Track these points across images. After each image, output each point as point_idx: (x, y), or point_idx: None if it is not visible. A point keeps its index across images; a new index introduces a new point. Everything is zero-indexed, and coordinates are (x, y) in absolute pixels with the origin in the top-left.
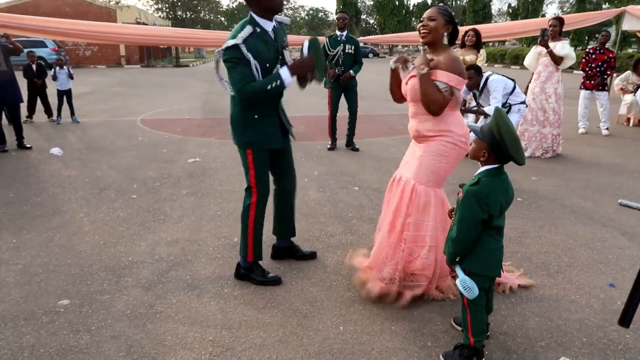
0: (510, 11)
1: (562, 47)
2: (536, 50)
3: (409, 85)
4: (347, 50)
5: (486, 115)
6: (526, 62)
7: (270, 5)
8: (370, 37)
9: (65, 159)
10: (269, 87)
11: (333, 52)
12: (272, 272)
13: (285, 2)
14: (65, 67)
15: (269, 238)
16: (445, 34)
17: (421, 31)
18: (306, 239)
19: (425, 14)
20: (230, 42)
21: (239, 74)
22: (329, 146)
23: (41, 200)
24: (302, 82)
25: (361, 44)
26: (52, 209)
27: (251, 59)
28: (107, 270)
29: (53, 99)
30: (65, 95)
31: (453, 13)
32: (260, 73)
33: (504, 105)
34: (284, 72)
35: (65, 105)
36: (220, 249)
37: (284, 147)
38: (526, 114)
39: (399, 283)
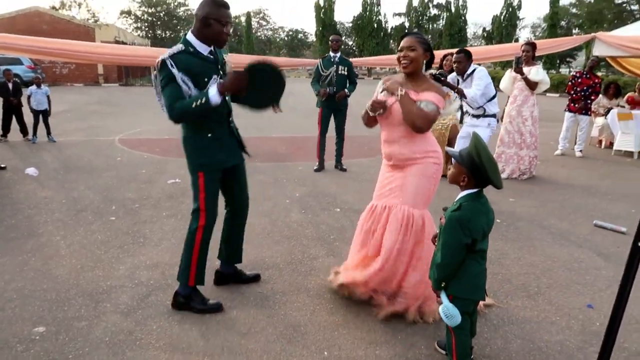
0: (485, 35)
1: (537, 73)
2: (511, 74)
3: (394, 109)
4: (340, 72)
5: (462, 96)
6: (502, 86)
7: (213, 39)
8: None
9: (41, 179)
10: (194, 104)
11: (326, 72)
12: (246, 296)
13: (264, 23)
14: (42, 86)
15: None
16: (425, 61)
17: (402, 62)
18: (289, 262)
19: (405, 44)
20: (159, 59)
21: (168, 92)
22: (315, 167)
23: (16, 222)
24: (241, 101)
25: None
26: (27, 231)
27: (176, 73)
28: (84, 295)
29: (28, 118)
30: (41, 114)
31: (429, 36)
32: (192, 88)
33: (479, 108)
34: (212, 89)
35: (41, 124)
36: None
37: (237, 166)
38: (503, 136)
39: (390, 298)
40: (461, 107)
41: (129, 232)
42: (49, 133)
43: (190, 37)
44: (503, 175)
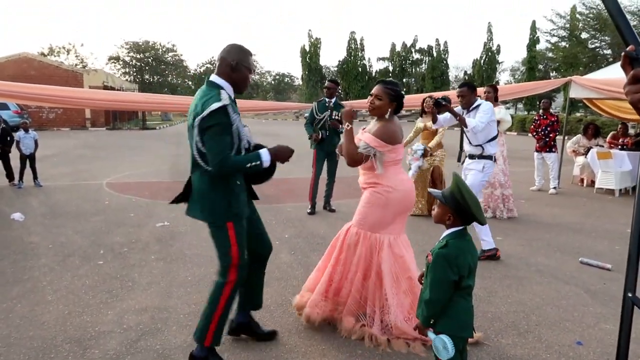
0: (467, 78)
1: (498, 112)
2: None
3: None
4: (334, 117)
5: (464, 125)
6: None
7: (240, 84)
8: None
9: (27, 224)
10: (248, 165)
11: (320, 116)
12: (237, 338)
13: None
14: (30, 130)
15: None
16: (390, 109)
17: (369, 106)
18: (279, 304)
19: (374, 91)
20: (216, 105)
21: (223, 142)
22: (308, 210)
23: (1, 268)
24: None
25: None
26: (13, 277)
27: (235, 121)
28: (72, 341)
29: (15, 162)
30: (28, 159)
31: (412, 79)
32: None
33: (477, 146)
34: (265, 154)
35: (27, 169)
36: (192, 316)
37: (252, 211)
38: None
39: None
40: (461, 145)
41: (117, 276)
42: (35, 178)
43: (221, 81)
44: (487, 215)
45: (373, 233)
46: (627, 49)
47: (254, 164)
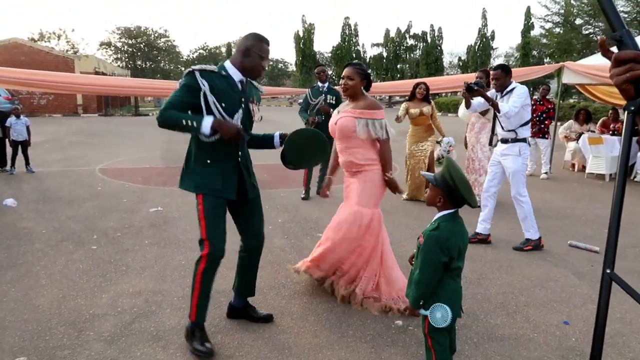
0: (461, 64)
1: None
2: None
3: (338, 124)
4: (328, 100)
5: (497, 109)
6: (460, 114)
7: (250, 69)
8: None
9: (20, 210)
10: (183, 121)
11: (314, 101)
12: (231, 320)
13: None
14: (22, 117)
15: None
16: (362, 87)
17: (343, 88)
18: (272, 287)
19: (345, 73)
20: (188, 70)
21: (174, 97)
22: (302, 195)
23: None
24: (286, 161)
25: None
26: (7, 262)
27: (204, 86)
28: (66, 324)
29: (5, 149)
30: (20, 145)
31: (407, 66)
32: (219, 110)
33: (510, 131)
34: (207, 119)
35: (19, 156)
36: (186, 299)
37: (251, 201)
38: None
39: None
40: (493, 128)
41: (111, 260)
42: (27, 164)
43: (226, 63)
44: None
45: (376, 209)
46: (615, 33)
47: (190, 122)
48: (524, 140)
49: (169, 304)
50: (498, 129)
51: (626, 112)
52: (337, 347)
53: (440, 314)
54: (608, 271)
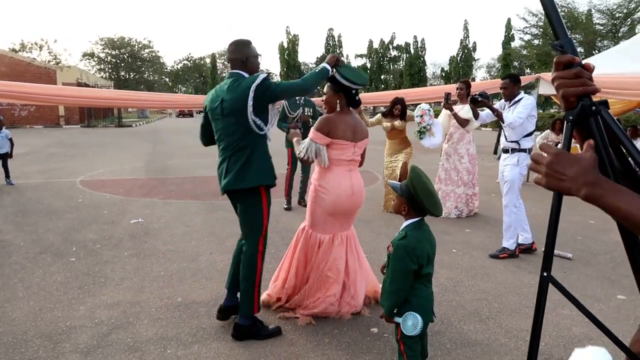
0: (444, 75)
1: (469, 111)
2: (446, 112)
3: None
4: (306, 113)
5: (501, 120)
6: (439, 121)
7: (254, 70)
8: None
9: None
10: (316, 73)
11: (293, 114)
12: (208, 330)
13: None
14: (3, 129)
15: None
16: (338, 101)
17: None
18: None
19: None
20: (262, 76)
21: (286, 82)
22: (285, 206)
23: None
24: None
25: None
26: None
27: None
28: (42, 336)
29: None
30: (2, 158)
31: (391, 76)
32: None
33: (512, 142)
34: (321, 65)
35: None
36: (163, 310)
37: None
38: (440, 173)
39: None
40: (498, 139)
41: (89, 272)
42: (7, 176)
43: (242, 72)
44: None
45: (313, 232)
46: (556, 42)
47: (319, 70)
48: (525, 150)
49: (146, 314)
50: (502, 139)
51: (565, 122)
52: (313, 355)
53: (411, 322)
54: (545, 274)
